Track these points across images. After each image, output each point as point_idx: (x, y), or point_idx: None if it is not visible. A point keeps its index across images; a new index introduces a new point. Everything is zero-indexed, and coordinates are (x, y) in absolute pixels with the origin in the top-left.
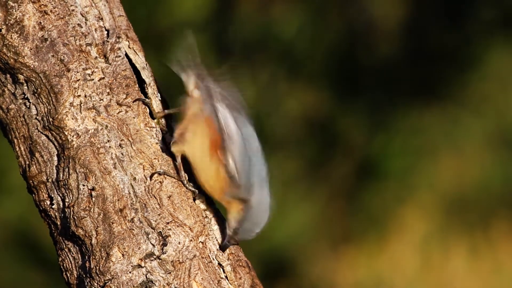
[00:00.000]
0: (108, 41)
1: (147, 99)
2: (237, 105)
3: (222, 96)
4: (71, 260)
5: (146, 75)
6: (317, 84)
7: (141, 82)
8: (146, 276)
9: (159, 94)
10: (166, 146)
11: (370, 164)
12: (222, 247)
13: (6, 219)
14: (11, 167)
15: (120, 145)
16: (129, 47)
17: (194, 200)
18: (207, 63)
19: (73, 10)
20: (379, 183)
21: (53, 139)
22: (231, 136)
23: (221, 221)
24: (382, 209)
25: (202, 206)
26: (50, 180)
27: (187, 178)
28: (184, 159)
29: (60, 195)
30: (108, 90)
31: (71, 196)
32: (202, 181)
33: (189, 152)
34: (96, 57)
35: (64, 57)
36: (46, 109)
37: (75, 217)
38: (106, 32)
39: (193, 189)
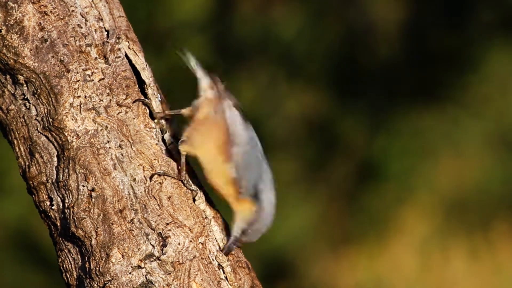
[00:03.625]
0: (108, 42)
1: (147, 100)
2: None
3: (232, 100)
4: (71, 261)
5: (146, 76)
6: (317, 85)
7: (141, 83)
8: (146, 277)
9: (159, 95)
10: (166, 147)
11: (370, 165)
12: (227, 250)
13: (6, 220)
14: (11, 168)
15: (120, 146)
16: (129, 48)
17: (194, 200)
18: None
19: (73, 10)
20: (379, 185)
21: (53, 140)
22: (239, 136)
23: (221, 221)
24: (382, 210)
25: (202, 207)
26: (50, 181)
27: (187, 178)
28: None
29: (60, 196)
30: (108, 91)
31: (71, 197)
32: (214, 183)
33: (200, 154)
34: (96, 58)
35: (64, 57)
36: (46, 110)
37: (75, 218)
38: (106, 33)
39: (193, 188)
